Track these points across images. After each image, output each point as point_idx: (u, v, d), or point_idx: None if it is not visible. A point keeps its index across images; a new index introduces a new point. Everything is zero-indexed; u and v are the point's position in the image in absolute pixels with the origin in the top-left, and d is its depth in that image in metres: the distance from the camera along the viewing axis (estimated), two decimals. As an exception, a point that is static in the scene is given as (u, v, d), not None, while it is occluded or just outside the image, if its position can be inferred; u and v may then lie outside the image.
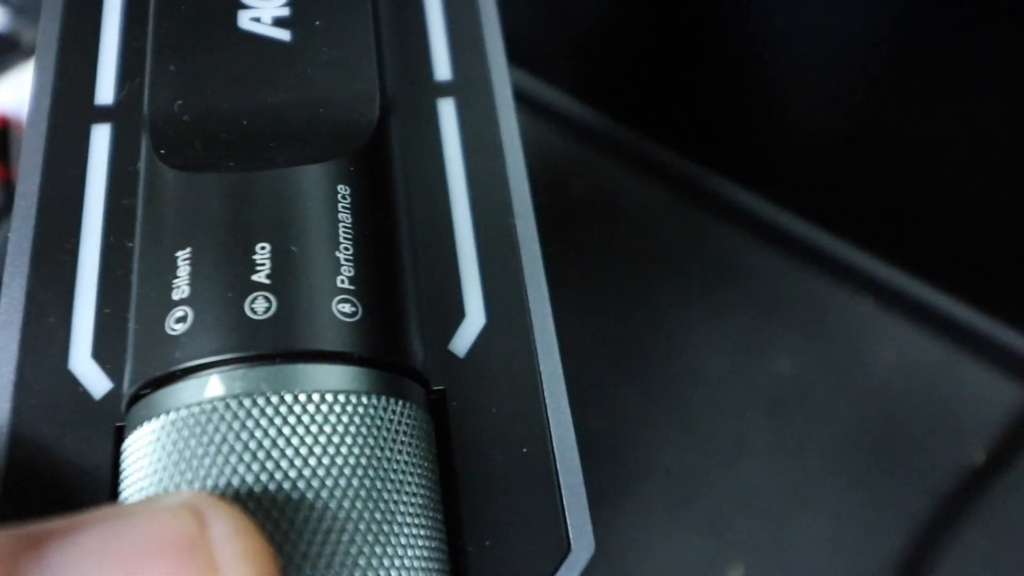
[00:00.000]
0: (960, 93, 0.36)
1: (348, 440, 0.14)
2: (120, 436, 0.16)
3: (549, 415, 0.17)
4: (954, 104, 0.36)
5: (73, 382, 0.16)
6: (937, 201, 0.41)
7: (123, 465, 0.15)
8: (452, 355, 0.17)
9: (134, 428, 0.15)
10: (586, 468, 0.16)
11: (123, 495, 0.15)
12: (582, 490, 0.16)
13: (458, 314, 0.17)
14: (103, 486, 0.15)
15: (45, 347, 0.16)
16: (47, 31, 0.20)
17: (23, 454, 0.16)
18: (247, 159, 0.16)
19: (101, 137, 0.18)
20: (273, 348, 0.14)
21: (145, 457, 0.14)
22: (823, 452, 0.42)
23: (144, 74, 0.18)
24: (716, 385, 0.44)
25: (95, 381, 0.16)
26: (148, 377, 0.15)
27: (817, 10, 0.37)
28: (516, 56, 0.21)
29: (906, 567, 0.40)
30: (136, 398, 0.15)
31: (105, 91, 0.19)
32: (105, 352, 0.16)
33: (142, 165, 0.17)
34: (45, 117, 0.19)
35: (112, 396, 0.16)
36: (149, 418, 0.15)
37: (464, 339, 0.17)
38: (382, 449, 0.15)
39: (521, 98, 0.20)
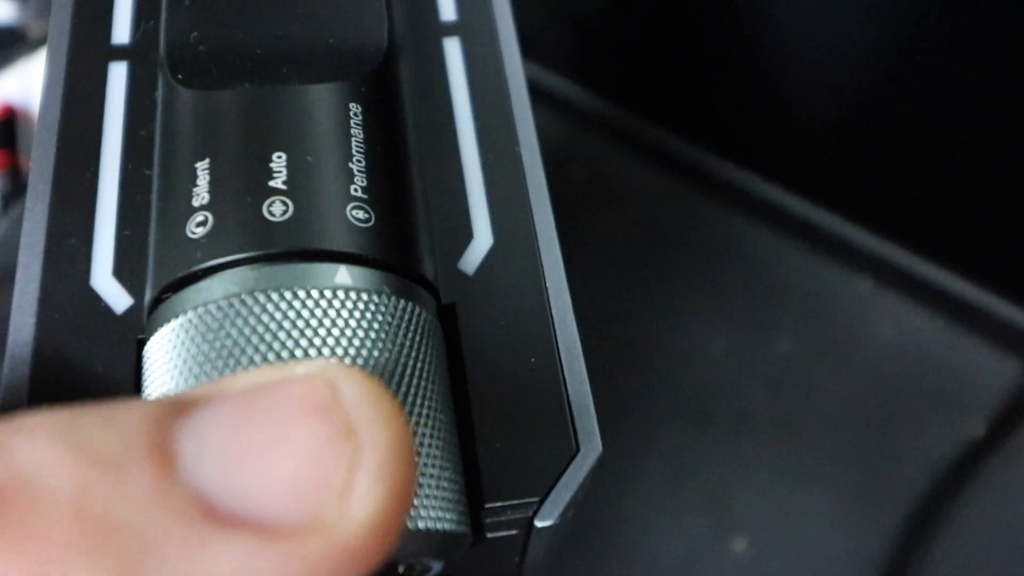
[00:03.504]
0: (959, 71, 0.36)
1: (364, 335, 0.15)
2: (142, 348, 0.16)
3: (556, 327, 0.17)
4: (951, 81, 0.37)
5: (95, 299, 0.17)
6: (934, 177, 0.41)
7: (145, 366, 0.15)
8: (461, 273, 0.18)
9: (155, 331, 0.15)
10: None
11: (146, 394, 0.15)
12: (588, 396, 0.17)
13: (466, 235, 0.18)
14: (126, 397, 0.16)
15: (67, 266, 0.17)
16: (64, -25, 0.20)
17: (48, 368, 0.16)
18: (262, 80, 0.17)
19: (118, 74, 0.19)
20: (291, 247, 0.15)
21: (167, 355, 0.15)
22: (822, 429, 0.43)
23: (159, 15, 0.19)
24: (716, 364, 0.44)
25: (116, 297, 0.17)
26: (170, 278, 0.15)
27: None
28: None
29: (906, 542, 0.40)
30: (158, 302, 0.16)
31: (121, 31, 0.20)
32: (126, 270, 0.17)
33: (159, 93, 0.18)
34: (64, 55, 0.19)
35: (133, 311, 0.16)
36: (170, 319, 0.15)
37: (473, 258, 0.18)
38: (399, 346, 0.15)
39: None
